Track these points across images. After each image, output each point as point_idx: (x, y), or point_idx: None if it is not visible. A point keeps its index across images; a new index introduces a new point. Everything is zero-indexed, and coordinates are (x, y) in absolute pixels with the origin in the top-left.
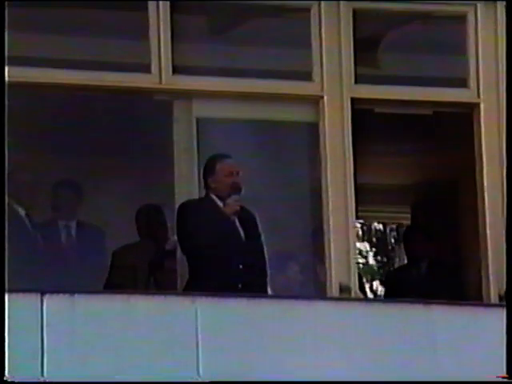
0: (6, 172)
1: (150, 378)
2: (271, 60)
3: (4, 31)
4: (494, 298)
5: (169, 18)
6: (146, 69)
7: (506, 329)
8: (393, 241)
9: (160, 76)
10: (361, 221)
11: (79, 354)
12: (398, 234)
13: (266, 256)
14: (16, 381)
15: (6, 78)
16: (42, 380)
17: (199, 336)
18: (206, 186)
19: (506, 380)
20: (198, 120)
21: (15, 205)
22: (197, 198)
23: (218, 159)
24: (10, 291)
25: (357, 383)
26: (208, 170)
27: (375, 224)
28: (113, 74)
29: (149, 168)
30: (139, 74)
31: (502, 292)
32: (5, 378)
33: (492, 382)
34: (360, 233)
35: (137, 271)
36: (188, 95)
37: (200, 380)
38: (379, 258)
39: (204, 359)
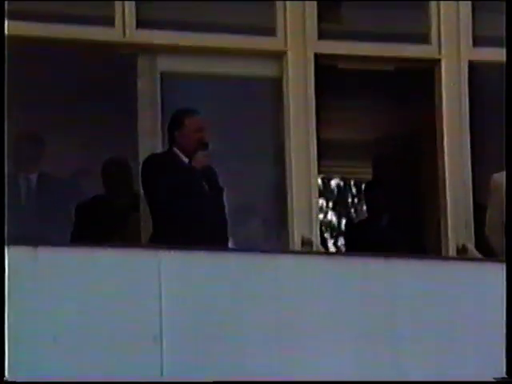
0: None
1: (111, 330)
2: (235, 15)
3: None
4: (452, 251)
5: None
6: (110, 23)
7: (506, 329)
8: (353, 196)
9: (124, 30)
10: (322, 175)
11: (42, 305)
12: (358, 189)
13: (228, 210)
14: (16, 381)
15: None
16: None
17: (162, 289)
18: (171, 140)
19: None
20: (162, 74)
21: None
22: (160, 151)
23: (187, 114)
24: None
25: (357, 383)
26: (175, 123)
27: (336, 179)
28: (76, 28)
29: (113, 122)
30: (103, 27)
31: (460, 245)
32: (5, 379)
33: (492, 382)
34: (321, 187)
35: (101, 224)
36: (152, 50)
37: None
38: (339, 212)
39: (167, 311)
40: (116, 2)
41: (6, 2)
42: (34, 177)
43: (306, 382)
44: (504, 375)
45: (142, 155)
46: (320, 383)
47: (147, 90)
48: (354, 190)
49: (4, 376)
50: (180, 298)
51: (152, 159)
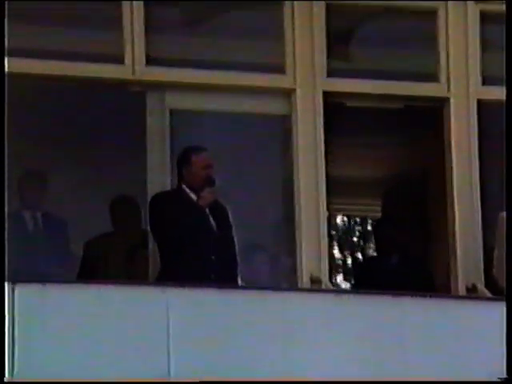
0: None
1: (120, 368)
2: (244, 52)
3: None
4: (461, 290)
5: (142, 9)
6: (120, 60)
7: (506, 329)
8: (359, 233)
9: (133, 67)
10: (332, 213)
11: (50, 344)
12: (365, 226)
13: (237, 247)
14: (16, 381)
15: None
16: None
17: (170, 326)
18: (180, 178)
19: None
20: (171, 111)
21: None
22: (169, 189)
23: (194, 151)
24: None
25: (357, 383)
26: (183, 160)
27: (342, 216)
28: (86, 65)
29: (121, 159)
30: (112, 65)
31: (470, 284)
32: (5, 379)
33: (492, 382)
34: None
35: (109, 262)
36: (161, 87)
37: (172, 380)
38: (345, 250)
39: (175, 350)
40: (126, 39)
41: (6, 2)
42: (39, 214)
43: (306, 382)
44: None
45: (151, 192)
46: (320, 383)
47: (156, 126)
48: (360, 228)
49: (4, 376)
50: (188, 336)
51: (160, 196)
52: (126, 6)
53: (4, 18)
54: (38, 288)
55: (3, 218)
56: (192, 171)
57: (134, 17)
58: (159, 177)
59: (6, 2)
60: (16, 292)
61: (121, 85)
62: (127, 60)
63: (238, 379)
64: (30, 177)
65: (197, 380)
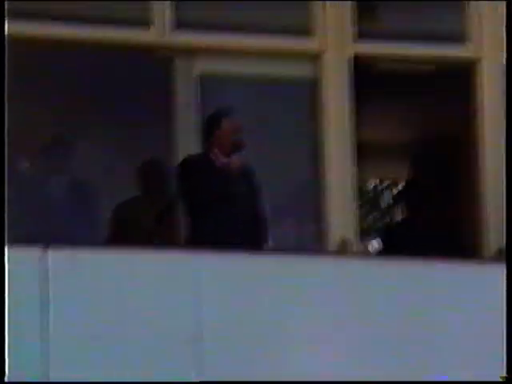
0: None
1: (150, 331)
2: (273, 16)
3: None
4: (493, 253)
5: None
6: (148, 24)
7: (507, 329)
8: (390, 197)
9: (162, 31)
10: (362, 177)
11: (83, 307)
12: (394, 191)
13: (265, 211)
14: (16, 381)
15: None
16: (42, 380)
17: (202, 291)
18: (209, 142)
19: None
20: (200, 76)
21: (14, 157)
22: (198, 153)
23: (223, 115)
24: (12, 245)
25: (357, 383)
26: (211, 125)
27: (372, 181)
28: (113, 29)
29: (149, 124)
30: (140, 29)
31: (501, 247)
32: (5, 380)
33: (492, 381)
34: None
35: (138, 225)
36: (189, 51)
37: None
38: (376, 214)
39: (206, 313)
40: (155, 2)
41: (6, 2)
42: (66, 180)
43: (306, 382)
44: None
45: (181, 157)
46: (320, 383)
47: (185, 92)
48: (390, 192)
49: (4, 376)
50: (219, 299)
51: (189, 160)
52: None
53: (4, 17)
54: (69, 252)
55: (3, 218)
56: (221, 135)
57: None
58: (188, 141)
59: (6, 3)
60: (49, 255)
61: (149, 49)
62: (157, 24)
63: (244, 379)
64: (57, 143)
65: (197, 380)
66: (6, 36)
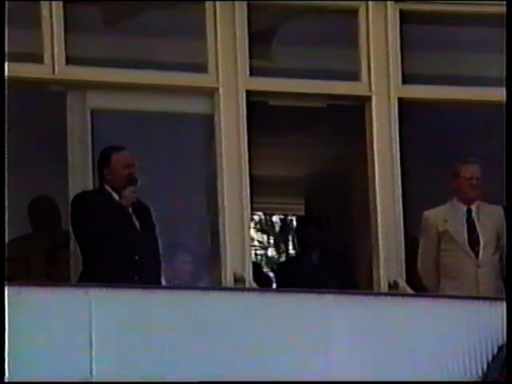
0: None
1: (42, 368)
2: (166, 51)
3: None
4: (384, 287)
5: (62, 8)
6: (39, 59)
7: (507, 328)
8: (281, 232)
9: (53, 66)
10: (256, 212)
11: None
12: (286, 225)
13: (160, 247)
14: (16, 381)
15: None
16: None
17: (93, 327)
18: (101, 178)
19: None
20: (92, 111)
21: None
22: (91, 189)
23: (114, 151)
24: None
25: (358, 383)
26: (103, 161)
27: (266, 216)
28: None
29: (41, 160)
30: (32, 64)
31: (392, 281)
32: (5, 380)
33: (492, 382)
34: (253, 224)
35: (30, 263)
36: (82, 86)
37: (92, 380)
38: (270, 248)
39: (97, 350)
40: (45, 37)
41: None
42: None
43: (306, 382)
44: None
45: (72, 193)
46: (320, 383)
47: (77, 126)
48: (282, 227)
49: (4, 376)
50: (111, 336)
51: (82, 196)
52: (45, 4)
53: (4, 17)
54: None
55: (3, 216)
56: (113, 170)
57: (53, 15)
58: (80, 177)
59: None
60: None
61: (41, 84)
62: (47, 59)
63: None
64: None
65: (196, 380)
66: None
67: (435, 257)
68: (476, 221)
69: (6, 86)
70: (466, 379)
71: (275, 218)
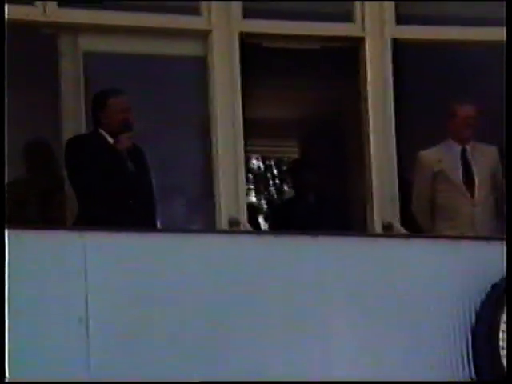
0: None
1: (37, 313)
2: None
3: None
4: (378, 229)
5: None
6: (30, 1)
7: (507, 327)
8: (274, 175)
9: (44, 8)
10: (250, 155)
11: None
12: (280, 168)
13: (155, 190)
14: (16, 381)
15: None
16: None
17: (88, 270)
18: (96, 121)
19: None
20: (84, 54)
21: None
22: (84, 132)
23: (110, 94)
24: None
25: (358, 383)
26: (99, 104)
27: (260, 158)
28: None
29: (34, 104)
30: (22, 5)
31: (386, 222)
32: (6, 380)
33: (491, 381)
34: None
35: (25, 206)
36: (74, 28)
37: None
38: (265, 191)
39: (93, 293)
40: None
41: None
42: None
43: (306, 382)
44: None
45: (66, 136)
46: (320, 383)
47: (70, 69)
48: (277, 169)
49: (4, 376)
50: (107, 280)
51: (76, 140)
52: None
53: (4, 17)
54: None
55: (3, 213)
56: (109, 115)
57: None
58: (74, 121)
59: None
60: None
61: (32, 27)
62: (38, 1)
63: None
64: None
65: (196, 380)
66: None
67: (430, 197)
68: (471, 160)
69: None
70: (459, 321)
71: (269, 161)
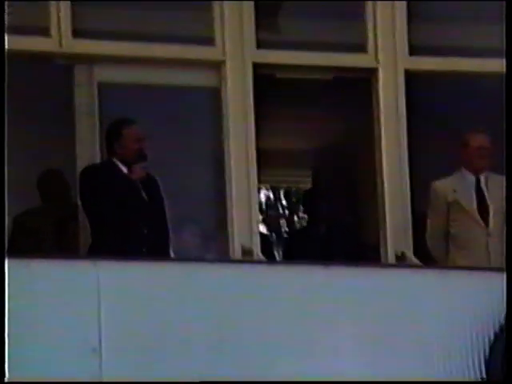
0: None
1: (50, 342)
2: (173, 24)
3: None
4: (391, 259)
5: None
6: (46, 32)
7: (506, 328)
8: (283, 205)
9: (60, 39)
10: (263, 185)
11: None
12: (293, 198)
13: (168, 220)
14: (16, 381)
15: None
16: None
17: (101, 299)
18: (110, 151)
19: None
20: (99, 84)
21: None
22: (98, 162)
23: (125, 124)
24: None
25: (358, 383)
26: (113, 134)
27: (274, 188)
28: (11, 37)
29: (49, 134)
30: (38, 37)
31: (399, 252)
32: (5, 380)
33: (491, 381)
34: (262, 196)
35: (39, 236)
36: (89, 59)
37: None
38: (278, 221)
39: (106, 322)
40: (51, 11)
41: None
42: None
43: (306, 382)
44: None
45: (80, 166)
46: (320, 383)
47: (84, 100)
48: (289, 199)
49: (4, 376)
50: (119, 309)
51: (90, 169)
52: None
53: (4, 17)
54: None
55: (3, 212)
56: (123, 144)
57: None
58: (88, 150)
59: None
60: None
61: (47, 58)
62: (53, 32)
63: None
64: None
65: (196, 380)
66: None
67: (444, 227)
68: (485, 190)
69: (6, 62)
70: (472, 353)
71: (282, 191)
